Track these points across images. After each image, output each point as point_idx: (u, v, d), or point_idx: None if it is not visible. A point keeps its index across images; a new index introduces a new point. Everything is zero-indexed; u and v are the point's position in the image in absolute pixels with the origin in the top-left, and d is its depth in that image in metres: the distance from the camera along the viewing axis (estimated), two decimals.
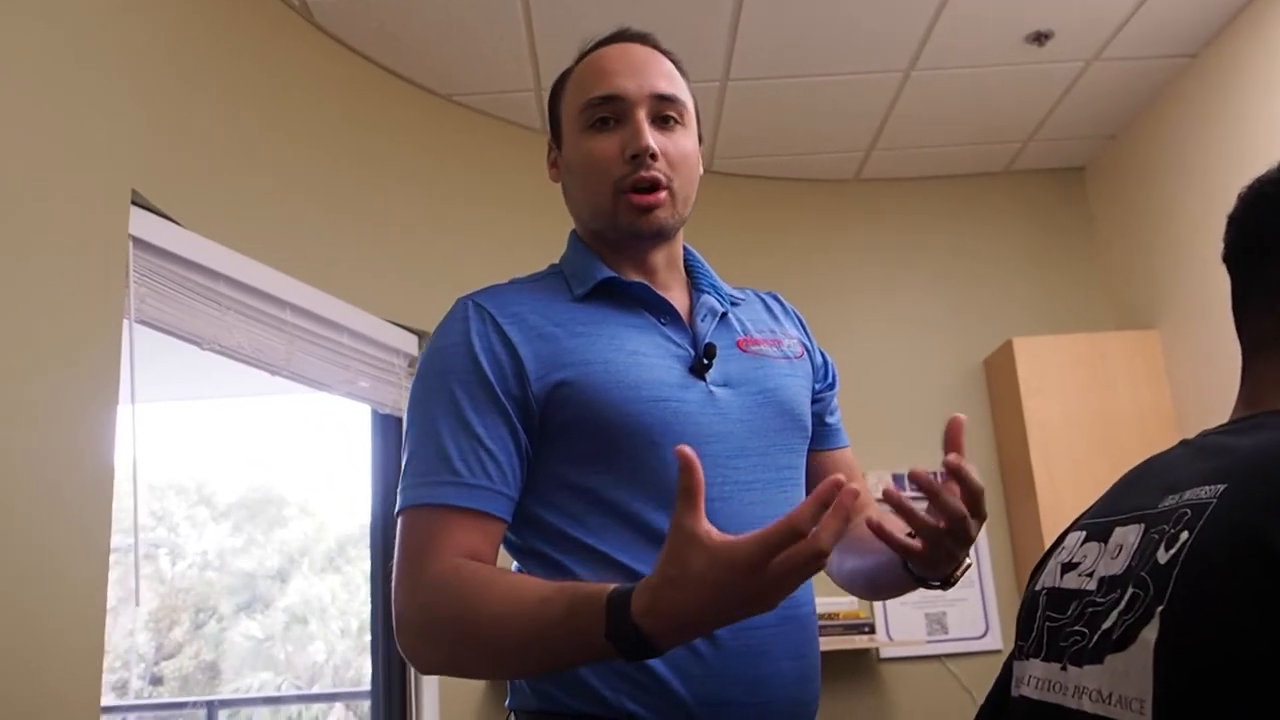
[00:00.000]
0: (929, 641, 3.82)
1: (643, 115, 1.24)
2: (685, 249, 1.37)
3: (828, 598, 3.61)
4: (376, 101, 3.21)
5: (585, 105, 1.25)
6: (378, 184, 3.14)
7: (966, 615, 3.88)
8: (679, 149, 1.25)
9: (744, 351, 1.28)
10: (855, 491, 0.85)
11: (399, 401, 3.15)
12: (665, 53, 1.32)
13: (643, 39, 1.32)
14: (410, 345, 3.22)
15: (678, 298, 1.30)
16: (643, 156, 1.21)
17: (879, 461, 3.80)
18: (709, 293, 1.32)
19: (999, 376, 3.99)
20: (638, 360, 1.19)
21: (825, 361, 1.43)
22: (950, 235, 4.25)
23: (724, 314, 1.31)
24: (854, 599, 3.70)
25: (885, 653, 3.80)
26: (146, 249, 2.29)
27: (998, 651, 3.81)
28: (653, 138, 1.22)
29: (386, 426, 3.24)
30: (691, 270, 1.35)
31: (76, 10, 2.13)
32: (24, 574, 1.83)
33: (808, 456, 1.33)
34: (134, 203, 2.23)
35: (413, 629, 1.09)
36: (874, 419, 3.98)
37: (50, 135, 2.03)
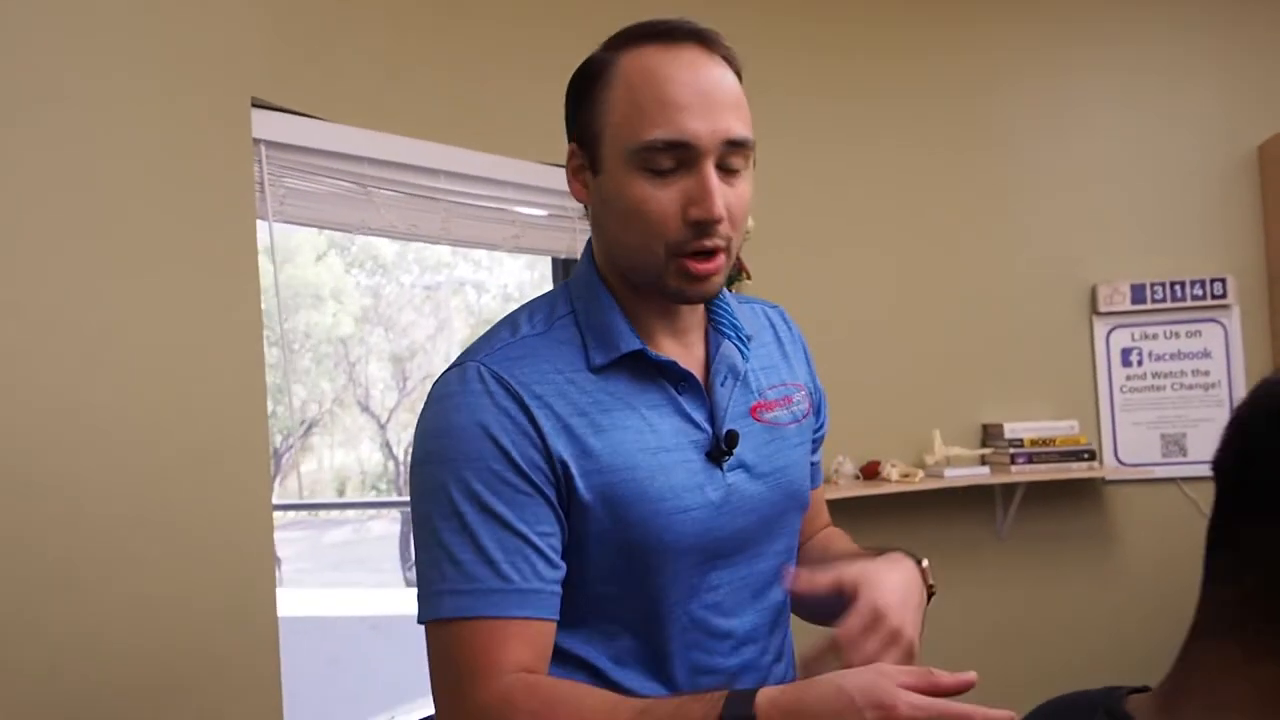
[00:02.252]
0: (1163, 464, 3.51)
1: (711, 168, 1.06)
2: None
3: (1042, 421, 3.36)
4: None
5: (644, 146, 1.06)
6: (506, 26, 2.92)
7: (1210, 435, 3.50)
8: (742, 203, 1.10)
9: (758, 421, 1.19)
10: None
11: (573, 245, 3.08)
12: (728, 59, 1.12)
13: (709, 42, 1.10)
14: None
15: (693, 346, 1.20)
16: (709, 224, 1.06)
17: (1122, 270, 3.42)
18: (729, 336, 1.20)
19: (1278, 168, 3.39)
20: (660, 461, 1.10)
21: (821, 400, 1.35)
22: None
23: (743, 370, 1.20)
24: (1074, 423, 3.43)
25: (1112, 476, 3.52)
26: (276, 147, 2.25)
27: None
28: (721, 194, 1.06)
29: (566, 271, 3.19)
30: (710, 303, 1.21)
31: None
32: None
33: None
34: (255, 104, 2.18)
35: None
36: (1117, 221, 3.54)
37: (168, 47, 1.99)
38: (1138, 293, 3.47)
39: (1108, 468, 3.47)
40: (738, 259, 2.76)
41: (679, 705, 0.94)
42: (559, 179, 2.96)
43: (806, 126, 3.50)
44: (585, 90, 1.13)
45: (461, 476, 1.04)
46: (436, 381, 1.12)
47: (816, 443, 1.35)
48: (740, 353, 1.19)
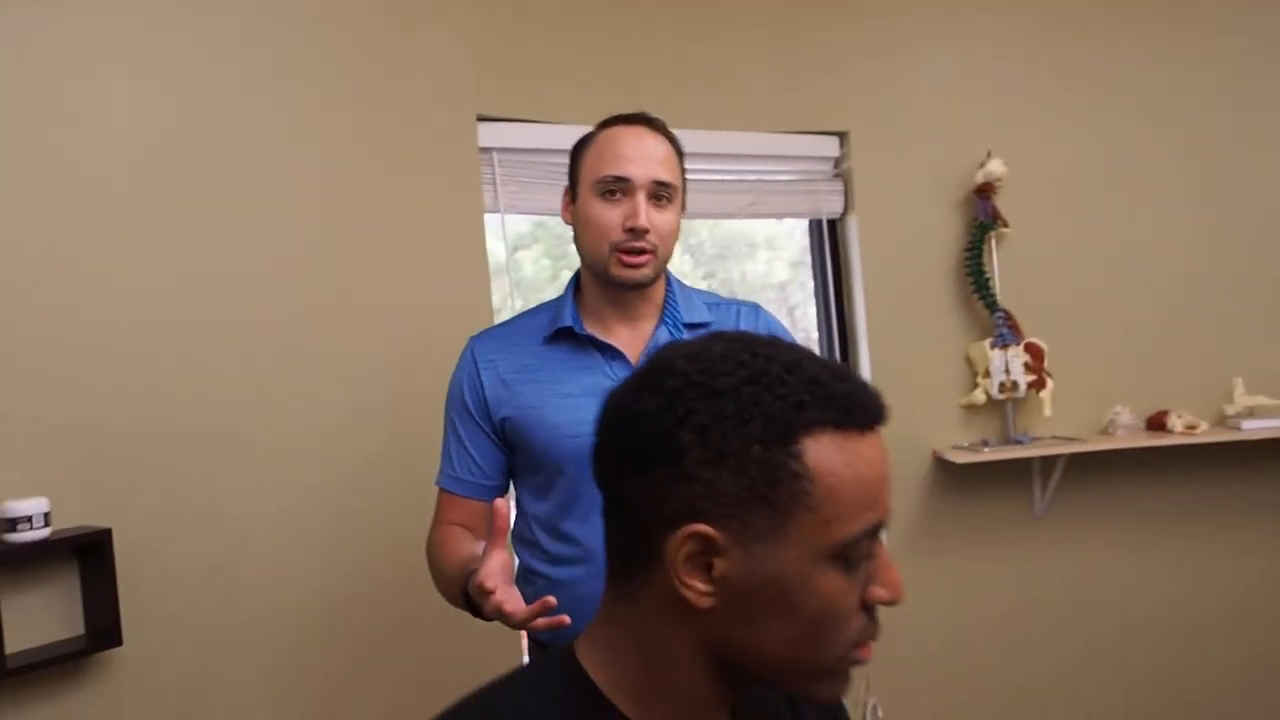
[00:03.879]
0: None
1: (642, 198, 1.59)
2: (669, 282, 1.71)
3: None
4: None
5: (600, 179, 1.60)
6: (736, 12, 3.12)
7: None
8: (666, 224, 1.62)
9: None
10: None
11: (816, 206, 3.23)
12: (669, 137, 1.66)
13: (653, 124, 1.65)
14: (829, 148, 3.23)
15: (638, 329, 1.67)
16: (638, 232, 1.58)
17: None
18: (669, 326, 1.66)
19: None
20: (566, 403, 1.60)
21: None
22: None
23: None
24: None
25: None
26: (505, 152, 2.70)
27: None
28: (648, 215, 1.58)
29: (823, 231, 3.34)
30: (666, 302, 1.68)
31: None
32: None
33: None
34: (480, 119, 2.64)
35: (427, 558, 1.68)
36: None
37: (401, 68, 2.49)
38: None
39: None
40: (993, 209, 3.08)
41: (462, 581, 1.45)
42: (790, 145, 3.17)
43: (1097, 69, 3.31)
44: (577, 152, 1.69)
45: (448, 408, 1.72)
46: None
47: None
48: (673, 337, 1.64)
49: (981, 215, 3.17)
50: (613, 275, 1.61)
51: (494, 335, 1.72)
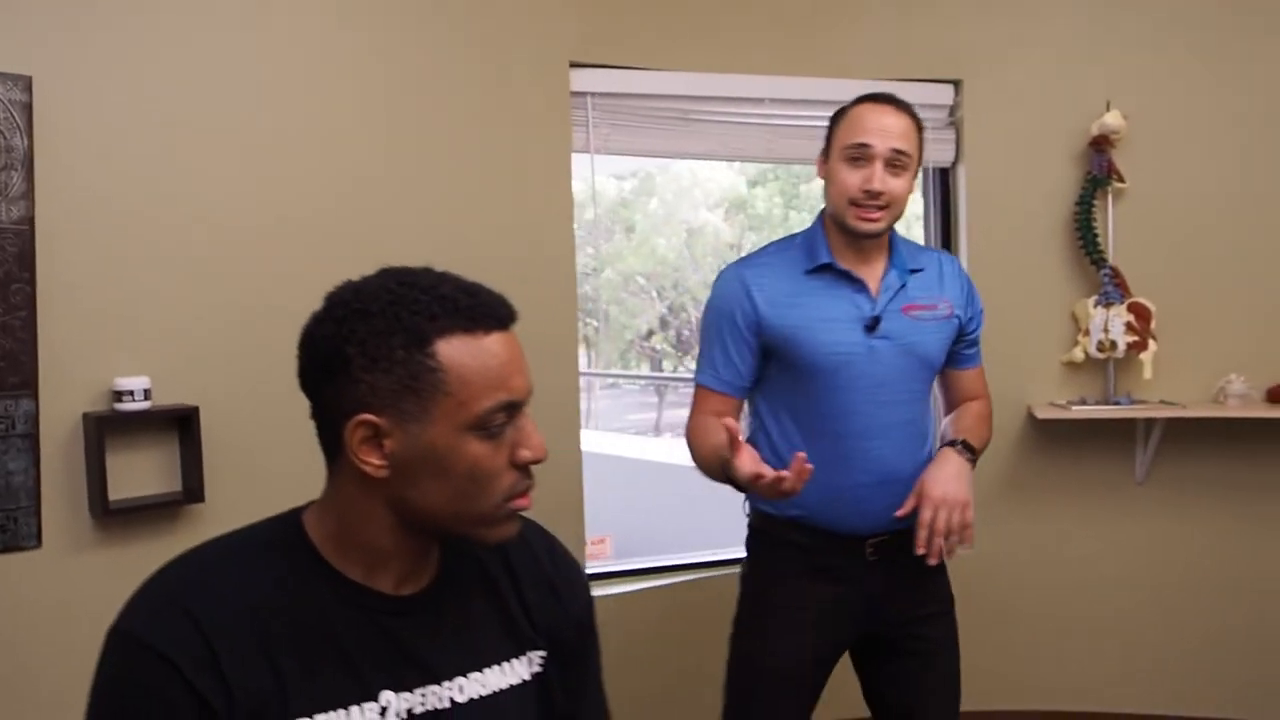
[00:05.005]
0: None
1: (880, 165, 1.86)
2: (894, 234, 1.96)
3: None
4: None
5: (847, 146, 1.89)
6: None
7: None
8: (899, 188, 1.89)
9: (905, 315, 1.94)
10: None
11: (928, 155, 3.23)
12: (910, 114, 1.94)
13: (896, 104, 1.93)
14: (942, 96, 3.23)
15: (875, 268, 1.95)
16: (874, 194, 1.86)
17: None
18: (897, 269, 1.95)
19: None
20: (828, 325, 1.91)
21: (975, 316, 2.06)
22: None
23: (902, 285, 1.94)
24: None
25: None
26: (600, 97, 2.90)
27: None
28: (883, 180, 1.85)
29: (933, 179, 3.34)
30: (892, 248, 1.96)
31: None
32: None
33: (946, 374, 2.07)
34: (573, 65, 2.85)
35: (686, 440, 2.00)
36: None
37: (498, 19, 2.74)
38: None
39: None
40: (1108, 163, 3.09)
41: (723, 463, 1.75)
42: (902, 93, 3.17)
43: (1222, 22, 3.11)
44: (834, 121, 1.98)
45: (716, 320, 1.98)
46: (721, 273, 2.02)
47: (969, 340, 2.06)
48: (901, 278, 1.94)
49: (1095, 169, 3.08)
50: (850, 225, 1.89)
51: (757, 265, 1.99)
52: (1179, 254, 3.12)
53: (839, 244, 1.93)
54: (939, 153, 3.24)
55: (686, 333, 14.62)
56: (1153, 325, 3.05)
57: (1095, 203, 3.09)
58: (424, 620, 1.06)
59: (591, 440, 9.23)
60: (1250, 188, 3.11)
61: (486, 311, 0.99)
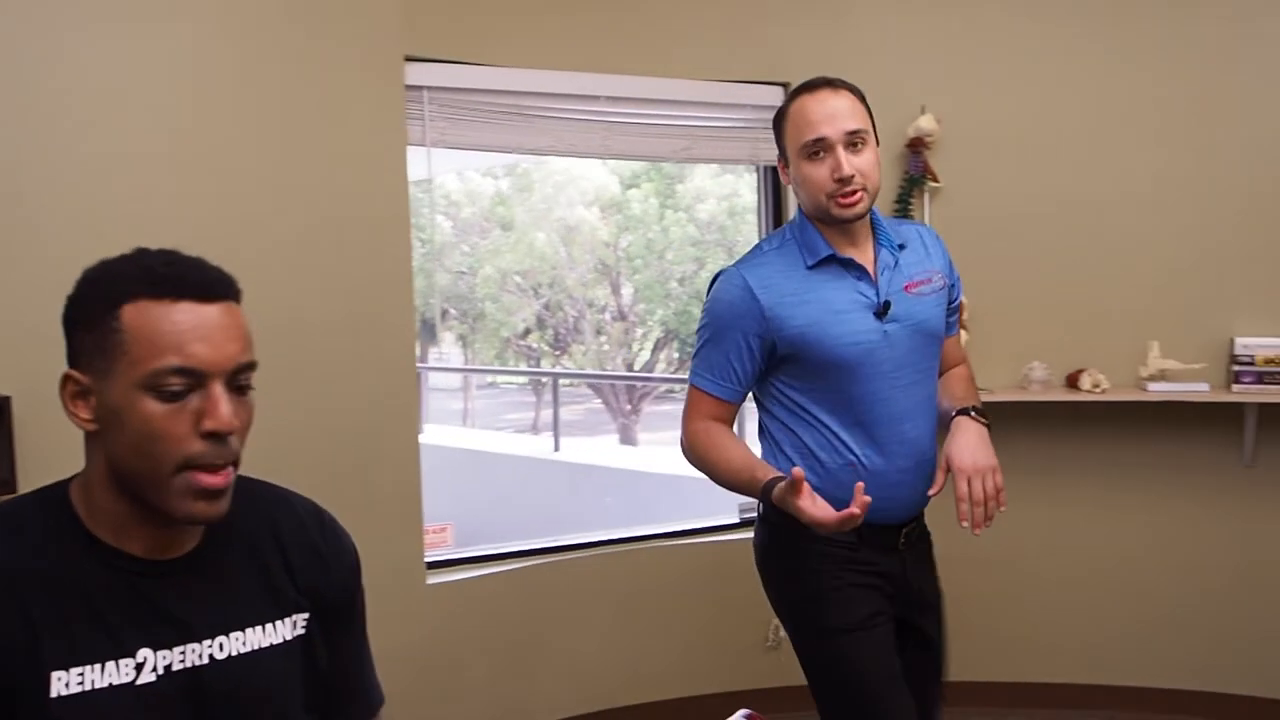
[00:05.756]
0: None
1: (841, 150, 1.84)
2: (873, 211, 1.95)
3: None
4: None
5: (802, 145, 1.87)
6: None
7: None
8: (866, 163, 1.87)
9: (908, 293, 1.95)
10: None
11: (755, 153, 3.37)
12: (850, 89, 1.90)
13: (834, 85, 1.90)
14: (773, 97, 3.36)
15: (866, 251, 1.95)
16: (846, 180, 1.84)
17: None
18: (886, 247, 1.95)
19: None
20: (840, 318, 1.90)
21: (955, 284, 2.06)
22: None
23: (895, 262, 1.95)
24: None
25: None
26: (436, 91, 2.95)
27: None
28: (849, 162, 1.84)
29: (763, 177, 3.48)
30: (874, 226, 1.97)
31: None
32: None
33: None
34: (409, 58, 2.89)
35: (682, 448, 2.01)
36: None
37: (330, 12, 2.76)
38: None
39: None
40: (924, 164, 3.26)
41: (751, 479, 1.84)
42: (732, 94, 3.31)
43: (1032, 28, 3.33)
44: (777, 125, 1.97)
45: (717, 323, 1.94)
46: (718, 274, 1.99)
47: (952, 309, 2.06)
48: (892, 255, 1.95)
49: (912, 169, 3.27)
50: (834, 215, 1.88)
51: (758, 264, 1.96)
52: (989, 249, 3.33)
53: (830, 234, 1.92)
54: (767, 152, 3.39)
55: (563, 331, 14.67)
56: (965, 316, 3.24)
57: (913, 201, 3.28)
58: (181, 582, 1.12)
59: (470, 438, 9.37)
60: (1056, 188, 3.34)
61: (179, 282, 1.05)
